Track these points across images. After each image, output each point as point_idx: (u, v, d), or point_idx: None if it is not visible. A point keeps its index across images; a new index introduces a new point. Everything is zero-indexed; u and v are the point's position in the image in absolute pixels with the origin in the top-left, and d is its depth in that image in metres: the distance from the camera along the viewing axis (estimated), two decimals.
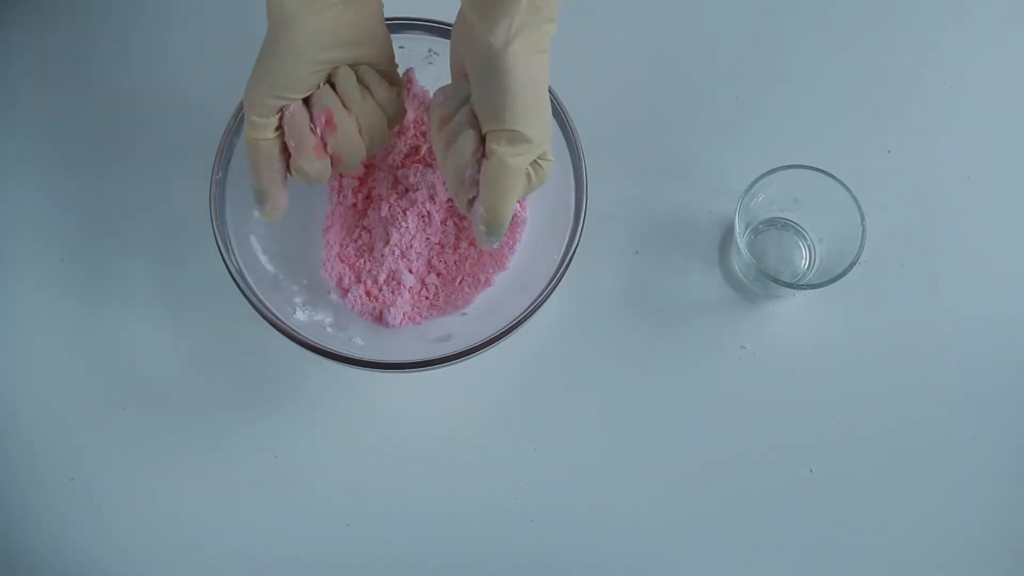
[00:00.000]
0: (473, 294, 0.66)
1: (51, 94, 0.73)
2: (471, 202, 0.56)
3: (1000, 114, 0.73)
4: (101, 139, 0.72)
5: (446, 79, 0.63)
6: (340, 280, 0.66)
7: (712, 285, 0.70)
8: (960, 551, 0.66)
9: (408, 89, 0.65)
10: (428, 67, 0.66)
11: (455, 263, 0.66)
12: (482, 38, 0.52)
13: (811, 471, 0.67)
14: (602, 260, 0.70)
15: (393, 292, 0.65)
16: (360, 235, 0.67)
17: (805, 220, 0.70)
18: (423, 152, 0.66)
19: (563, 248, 0.62)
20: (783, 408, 0.68)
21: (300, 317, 0.63)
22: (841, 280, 0.63)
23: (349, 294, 0.66)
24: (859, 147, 0.72)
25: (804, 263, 0.71)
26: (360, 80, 0.57)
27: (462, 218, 0.66)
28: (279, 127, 0.56)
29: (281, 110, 0.55)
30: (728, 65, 0.74)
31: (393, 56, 0.58)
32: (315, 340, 0.59)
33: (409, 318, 0.65)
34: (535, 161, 0.55)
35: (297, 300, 0.64)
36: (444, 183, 0.63)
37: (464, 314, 0.65)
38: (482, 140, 0.55)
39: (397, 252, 0.65)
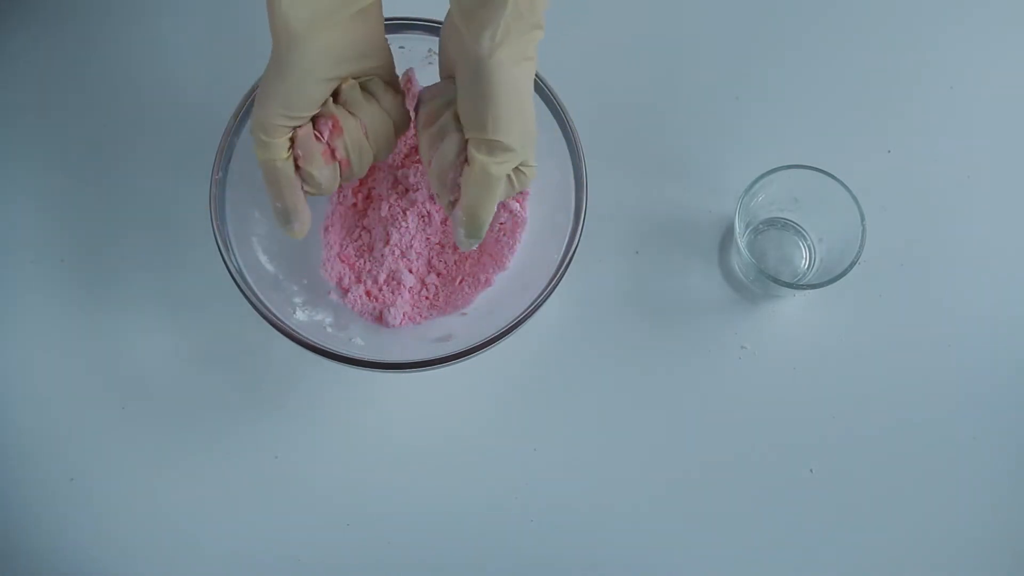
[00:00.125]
0: (473, 294, 0.66)
1: (51, 94, 0.73)
2: (452, 204, 0.57)
3: (1000, 114, 0.73)
4: (101, 139, 0.72)
5: None
6: (340, 280, 0.66)
7: (712, 285, 0.70)
8: (960, 551, 0.66)
9: (408, 89, 0.65)
10: (428, 67, 0.66)
11: (455, 263, 0.66)
12: (468, 44, 0.52)
13: (811, 471, 0.67)
14: (602, 260, 0.70)
15: (393, 292, 0.65)
16: (360, 235, 0.67)
17: (805, 220, 0.70)
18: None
19: (563, 248, 0.62)
20: (783, 408, 0.68)
21: (300, 317, 0.63)
22: (841, 280, 0.63)
23: (349, 294, 0.66)
24: (859, 147, 0.72)
25: (804, 263, 0.71)
26: (364, 89, 0.57)
27: None
28: (292, 145, 0.56)
29: (293, 129, 0.55)
30: (728, 65, 0.74)
31: (394, 67, 0.58)
32: (315, 340, 0.59)
33: (409, 318, 0.65)
34: (517, 168, 0.55)
35: (297, 300, 0.64)
36: None
37: (464, 314, 0.65)
38: (465, 144, 0.55)
39: (397, 252, 0.65)
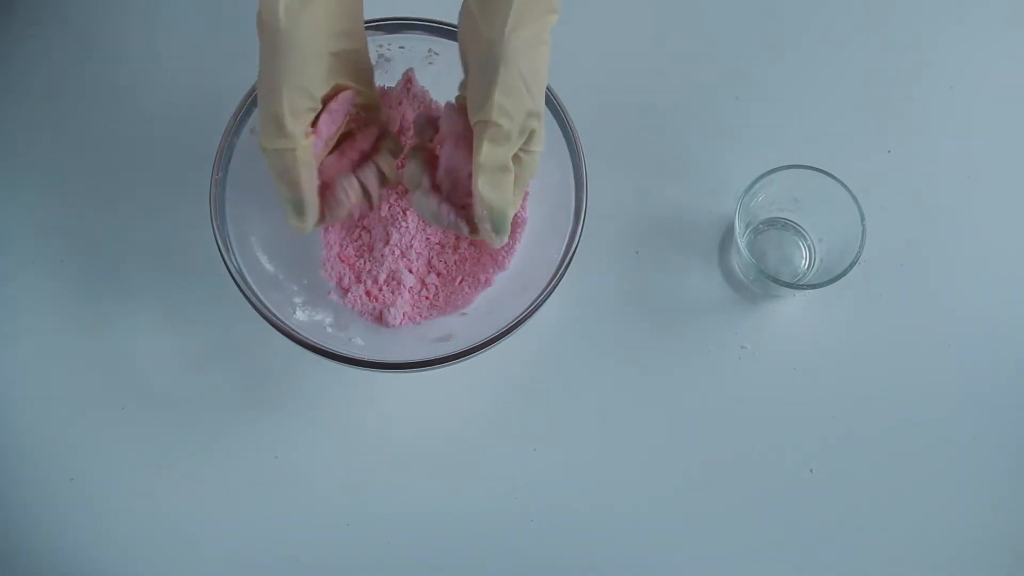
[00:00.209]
0: (473, 294, 0.66)
1: (51, 95, 0.73)
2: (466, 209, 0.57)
3: (1000, 114, 0.73)
4: (101, 139, 0.72)
5: (446, 79, 0.63)
6: (340, 280, 0.66)
7: (712, 285, 0.70)
8: (960, 551, 0.66)
9: (408, 88, 0.65)
10: (428, 67, 0.66)
11: (455, 263, 0.66)
12: (482, 29, 0.52)
13: (811, 471, 0.67)
14: (602, 260, 0.70)
15: (393, 292, 0.65)
16: (360, 235, 0.67)
17: (805, 220, 0.70)
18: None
19: (563, 248, 0.62)
20: (783, 408, 0.68)
21: (300, 317, 0.63)
22: (841, 280, 0.63)
23: (349, 294, 0.66)
24: (859, 147, 0.72)
25: (804, 263, 0.71)
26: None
27: None
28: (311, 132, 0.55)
29: (311, 117, 0.55)
30: (728, 65, 0.74)
31: (368, 53, 0.58)
32: (315, 340, 0.59)
33: (409, 318, 0.65)
34: (517, 154, 0.54)
35: (297, 300, 0.64)
36: None
37: (464, 314, 0.65)
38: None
39: (397, 252, 0.65)
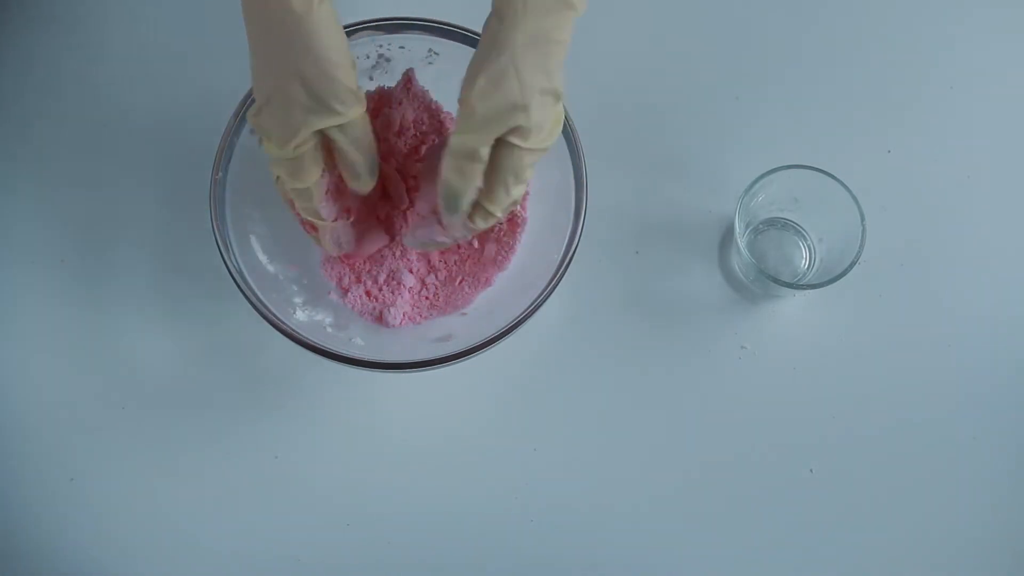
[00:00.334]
0: (473, 294, 0.66)
1: (51, 95, 0.73)
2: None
3: (1000, 114, 0.73)
4: (101, 139, 0.72)
5: (446, 79, 0.63)
6: (340, 280, 0.66)
7: (712, 285, 0.70)
8: (960, 551, 0.66)
9: (408, 88, 0.65)
10: (428, 67, 0.66)
11: (455, 263, 0.66)
12: (490, 21, 0.51)
13: (811, 471, 0.67)
14: (602, 260, 0.70)
15: (393, 292, 0.65)
16: None
17: (805, 220, 0.70)
18: (423, 152, 0.66)
19: (563, 248, 0.62)
20: (783, 408, 0.68)
21: (300, 317, 0.63)
22: (841, 280, 0.63)
23: (349, 294, 0.66)
24: (859, 147, 0.72)
25: (804, 263, 0.71)
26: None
27: None
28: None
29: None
30: (728, 65, 0.74)
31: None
32: (315, 340, 0.59)
33: (409, 318, 0.65)
34: (500, 147, 0.53)
35: (297, 300, 0.64)
36: None
37: (464, 314, 0.65)
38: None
39: (397, 252, 0.65)
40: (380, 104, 0.65)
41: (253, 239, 0.64)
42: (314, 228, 0.61)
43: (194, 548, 0.66)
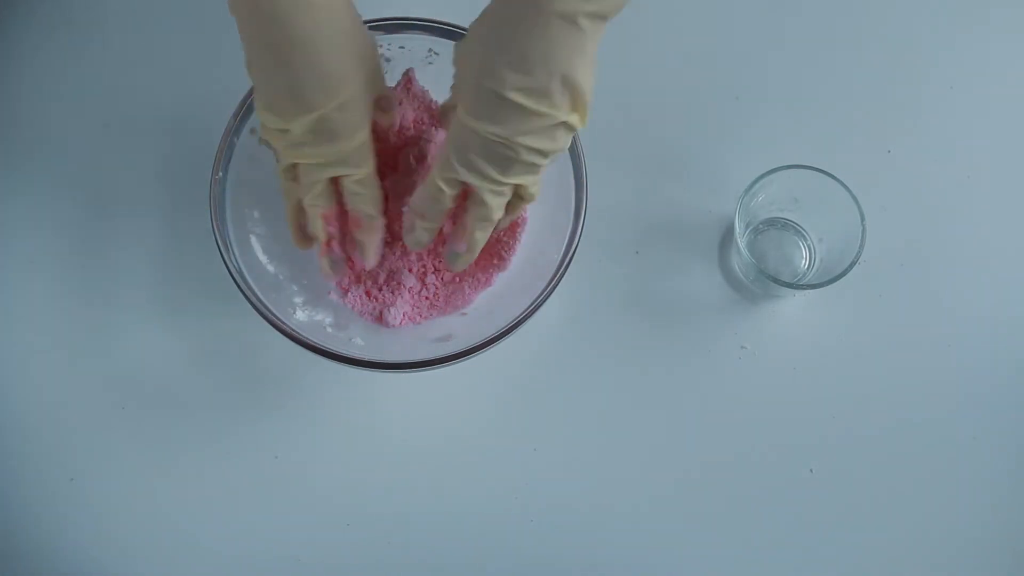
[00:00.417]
0: (473, 294, 0.66)
1: (51, 96, 0.73)
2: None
3: (1000, 114, 0.73)
4: (101, 140, 0.72)
5: (446, 79, 0.63)
6: (340, 280, 0.66)
7: (712, 285, 0.70)
8: (960, 551, 0.66)
9: (408, 89, 0.65)
10: (428, 67, 0.66)
11: None
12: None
13: (811, 471, 0.67)
14: (602, 260, 0.70)
15: (393, 292, 0.65)
16: None
17: (805, 220, 0.70)
18: (422, 151, 0.66)
19: (563, 248, 0.62)
20: (783, 408, 0.68)
21: (300, 317, 0.63)
22: (841, 280, 0.64)
23: (349, 294, 0.66)
24: (859, 147, 0.72)
25: (804, 263, 0.71)
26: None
27: None
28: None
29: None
30: (728, 65, 0.74)
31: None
32: (315, 340, 0.59)
33: (409, 318, 0.65)
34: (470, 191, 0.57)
35: (297, 300, 0.64)
36: None
37: (464, 314, 0.65)
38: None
39: (397, 252, 0.65)
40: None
41: (253, 239, 0.64)
42: (307, 243, 0.63)
43: (194, 548, 0.66)
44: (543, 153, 0.55)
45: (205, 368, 0.68)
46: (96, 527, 0.66)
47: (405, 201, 0.64)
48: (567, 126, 0.55)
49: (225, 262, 0.61)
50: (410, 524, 0.66)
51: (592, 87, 0.55)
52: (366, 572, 0.65)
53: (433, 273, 0.66)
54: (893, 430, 0.67)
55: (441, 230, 0.62)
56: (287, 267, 0.65)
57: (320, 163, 0.56)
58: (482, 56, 0.53)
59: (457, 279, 0.66)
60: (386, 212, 0.65)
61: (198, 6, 0.75)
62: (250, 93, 0.62)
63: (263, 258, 0.64)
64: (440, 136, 0.65)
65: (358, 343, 0.63)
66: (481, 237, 0.59)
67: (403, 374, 0.63)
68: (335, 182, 0.58)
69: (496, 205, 0.57)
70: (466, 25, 0.63)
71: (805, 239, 0.71)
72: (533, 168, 0.56)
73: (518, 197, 0.58)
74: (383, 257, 0.65)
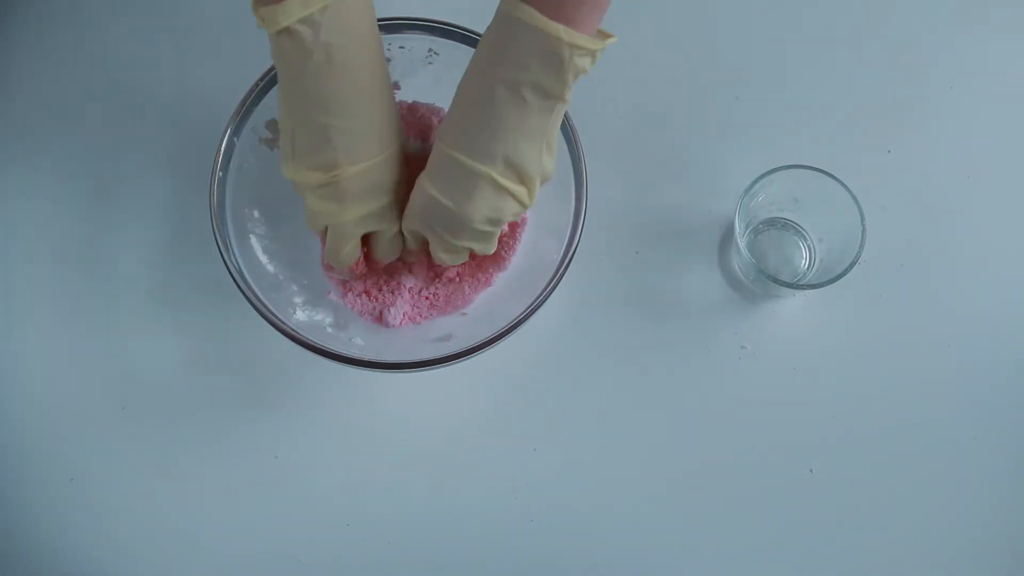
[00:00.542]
0: (473, 294, 0.66)
1: (51, 95, 0.73)
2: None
3: (1000, 114, 0.73)
4: (101, 139, 0.72)
5: (446, 79, 0.63)
6: (340, 280, 0.66)
7: (712, 285, 0.70)
8: (960, 551, 0.66)
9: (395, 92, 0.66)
10: (428, 67, 0.66)
11: None
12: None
13: (811, 471, 0.67)
14: (602, 260, 0.70)
15: (393, 292, 0.65)
16: None
17: (805, 220, 0.70)
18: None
19: (563, 248, 0.62)
20: (783, 408, 0.68)
21: (300, 317, 0.63)
22: (841, 280, 0.63)
23: (349, 294, 0.66)
24: (859, 147, 0.72)
25: (804, 263, 0.71)
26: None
27: None
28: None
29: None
30: (728, 65, 0.74)
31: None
32: (315, 340, 0.59)
33: (409, 318, 0.65)
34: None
35: (297, 300, 0.64)
36: None
37: (464, 314, 0.65)
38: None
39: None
40: None
41: (253, 239, 0.64)
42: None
43: (194, 548, 0.66)
44: (491, 222, 0.57)
45: (205, 368, 0.68)
46: (96, 527, 0.66)
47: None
48: (516, 199, 0.56)
49: (225, 262, 0.61)
50: (410, 524, 0.66)
51: (540, 166, 0.55)
52: (366, 572, 0.65)
53: (433, 273, 0.66)
54: (893, 430, 0.67)
55: None
56: (287, 267, 0.65)
57: (360, 217, 0.58)
58: (446, 118, 0.56)
59: (457, 279, 0.66)
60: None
61: (198, 6, 0.75)
62: (250, 93, 0.62)
63: (263, 258, 0.64)
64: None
65: (358, 343, 0.63)
66: (448, 264, 0.62)
67: (403, 374, 0.63)
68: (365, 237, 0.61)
69: (450, 257, 0.60)
70: (466, 25, 0.63)
71: (805, 239, 0.71)
72: (482, 235, 0.58)
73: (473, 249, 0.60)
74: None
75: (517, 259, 0.66)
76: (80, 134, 0.72)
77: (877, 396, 0.68)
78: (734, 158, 0.71)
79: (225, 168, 0.62)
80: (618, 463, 0.67)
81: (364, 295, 0.65)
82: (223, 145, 0.62)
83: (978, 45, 0.75)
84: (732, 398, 0.68)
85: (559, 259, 0.61)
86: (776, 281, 0.64)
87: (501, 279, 0.66)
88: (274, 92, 0.62)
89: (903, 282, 0.70)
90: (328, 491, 0.66)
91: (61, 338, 0.69)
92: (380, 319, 0.65)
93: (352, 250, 0.61)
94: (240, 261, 0.62)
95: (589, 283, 0.69)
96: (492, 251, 0.61)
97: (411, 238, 0.60)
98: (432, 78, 0.66)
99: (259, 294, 0.61)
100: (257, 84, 0.62)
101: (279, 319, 0.60)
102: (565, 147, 0.62)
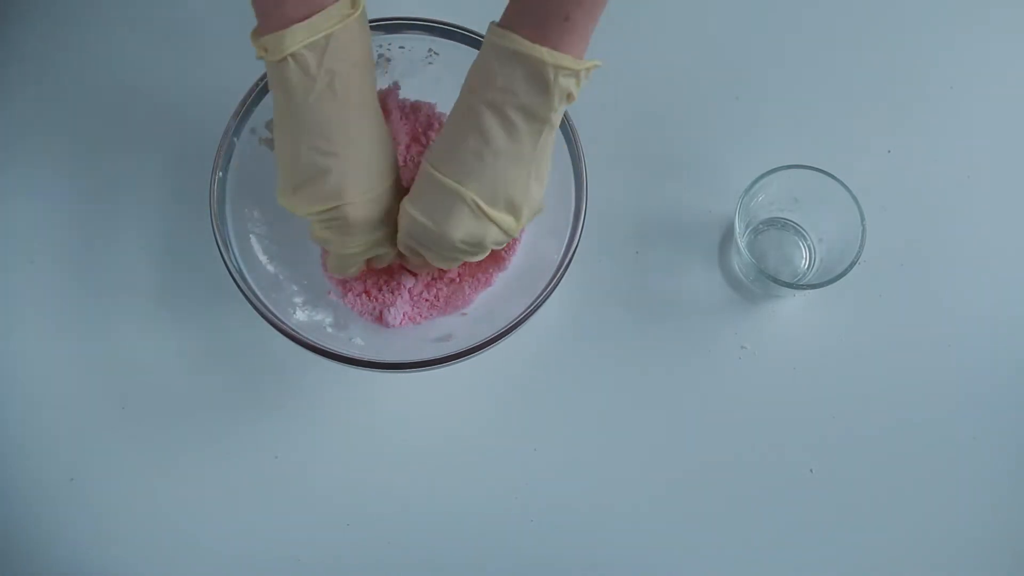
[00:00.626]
0: (473, 294, 0.66)
1: (51, 96, 0.73)
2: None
3: (1000, 114, 0.73)
4: (101, 140, 0.72)
5: (446, 79, 0.63)
6: (340, 280, 0.66)
7: (712, 285, 0.70)
8: (960, 551, 0.66)
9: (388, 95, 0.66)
10: (428, 67, 0.66)
11: None
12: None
13: (811, 471, 0.67)
14: (602, 260, 0.70)
15: (393, 292, 0.65)
16: None
17: (805, 220, 0.70)
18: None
19: (563, 248, 0.62)
20: (783, 408, 0.68)
21: (300, 317, 0.63)
22: (841, 280, 0.63)
23: (349, 294, 0.65)
24: (859, 147, 0.72)
25: (804, 263, 0.71)
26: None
27: None
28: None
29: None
30: (728, 65, 0.74)
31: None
32: (315, 340, 0.59)
33: (409, 318, 0.65)
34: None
35: (297, 300, 0.64)
36: None
37: (464, 314, 0.65)
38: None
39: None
40: None
41: (253, 239, 0.64)
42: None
43: (194, 548, 0.66)
44: (472, 245, 0.57)
45: (205, 368, 0.68)
46: (96, 527, 0.66)
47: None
48: (498, 226, 0.56)
49: (225, 262, 0.61)
50: (410, 524, 0.66)
51: (528, 194, 0.56)
52: (366, 572, 0.65)
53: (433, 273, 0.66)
54: (893, 430, 0.67)
55: None
56: (287, 267, 0.65)
57: (363, 246, 0.59)
58: (433, 140, 0.56)
59: (457, 279, 0.66)
60: None
61: (199, 6, 0.75)
62: (250, 93, 0.62)
63: (263, 258, 0.64)
64: None
65: (358, 343, 0.63)
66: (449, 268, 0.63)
67: (403, 374, 0.63)
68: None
69: (448, 264, 0.60)
70: (466, 25, 0.63)
71: (805, 239, 0.71)
72: (468, 253, 0.58)
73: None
74: None
75: (517, 259, 0.66)
76: (80, 134, 0.72)
77: (877, 396, 0.68)
78: (734, 158, 0.71)
79: (225, 168, 0.62)
80: (618, 463, 0.67)
81: (364, 295, 0.65)
82: (223, 146, 0.62)
83: (978, 45, 0.75)
84: (732, 398, 0.68)
85: (559, 259, 0.61)
86: (776, 281, 0.64)
87: (501, 279, 0.66)
88: None
89: (903, 282, 0.70)
90: (328, 491, 0.66)
91: (61, 338, 0.69)
92: (380, 319, 0.65)
93: (356, 270, 0.62)
94: (240, 261, 0.62)
95: (589, 283, 0.69)
96: (484, 255, 0.61)
97: (408, 253, 0.61)
98: (432, 78, 0.66)
99: (259, 294, 0.61)
100: (257, 84, 0.62)
101: (279, 319, 0.60)
102: (565, 147, 0.62)
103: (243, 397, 0.68)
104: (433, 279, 0.66)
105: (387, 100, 0.65)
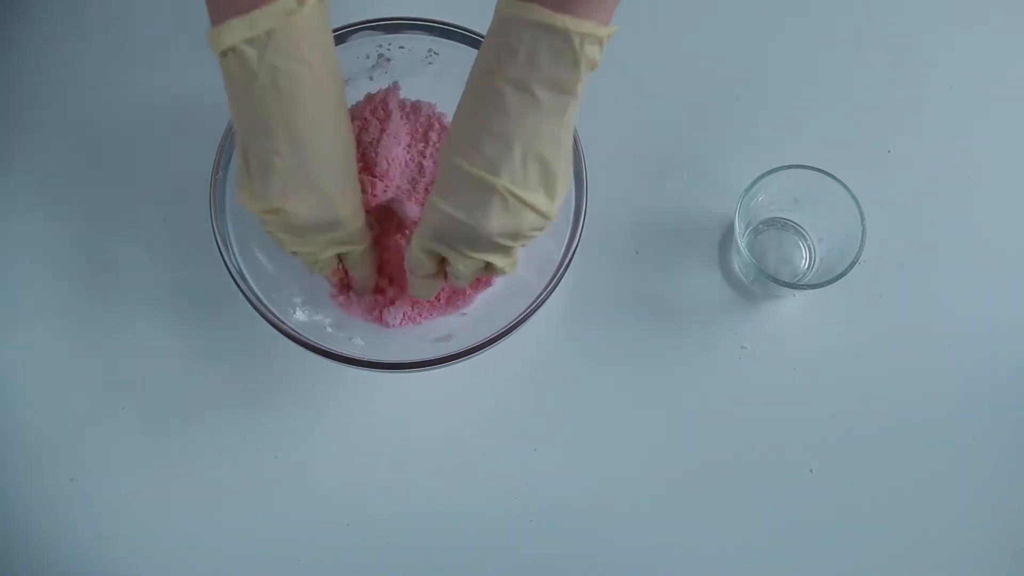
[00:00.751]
0: (473, 294, 0.66)
1: (51, 96, 0.73)
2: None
3: (1000, 114, 0.73)
4: (101, 140, 0.72)
5: (446, 79, 0.63)
6: (340, 280, 0.66)
7: (712, 285, 0.70)
8: (960, 551, 0.66)
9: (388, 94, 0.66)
10: (428, 67, 0.66)
11: None
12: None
13: (811, 471, 0.67)
14: (602, 260, 0.70)
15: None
16: None
17: (805, 220, 0.70)
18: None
19: (563, 248, 0.62)
20: (783, 408, 0.68)
21: (300, 317, 0.63)
22: (841, 280, 0.63)
23: (349, 294, 0.65)
24: (859, 147, 0.72)
25: (804, 263, 0.71)
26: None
27: None
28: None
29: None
30: (728, 65, 0.74)
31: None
32: (315, 340, 0.59)
33: (409, 318, 0.65)
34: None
35: (297, 300, 0.64)
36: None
37: (464, 314, 0.65)
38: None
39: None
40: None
41: (253, 239, 0.64)
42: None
43: (194, 548, 0.66)
44: (511, 236, 0.54)
45: (205, 368, 0.68)
46: (96, 527, 0.66)
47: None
48: (535, 210, 0.53)
49: (225, 262, 0.61)
50: (410, 524, 0.66)
51: (562, 169, 0.53)
52: (366, 572, 0.65)
53: None
54: (893, 430, 0.67)
55: None
56: (287, 267, 0.65)
57: (318, 247, 0.57)
58: (450, 130, 0.54)
59: None
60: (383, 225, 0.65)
61: (199, 6, 0.75)
62: None
63: (263, 258, 0.64)
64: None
65: (358, 343, 0.63)
66: (461, 287, 0.62)
67: (403, 374, 0.63)
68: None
69: (470, 272, 0.57)
70: (466, 25, 0.63)
71: (805, 239, 0.71)
72: (503, 249, 0.55)
73: (491, 266, 0.57)
74: (383, 258, 0.65)
75: None
76: (80, 135, 0.72)
77: (877, 396, 0.68)
78: (734, 158, 0.71)
79: (225, 168, 0.62)
80: (618, 463, 0.67)
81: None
82: (223, 146, 0.62)
83: (978, 45, 0.75)
84: (732, 398, 0.68)
85: (559, 259, 0.61)
86: (776, 281, 0.64)
87: (501, 279, 0.66)
88: None
89: (903, 282, 0.70)
90: (328, 491, 0.66)
91: (61, 338, 0.69)
92: (380, 319, 0.65)
93: (324, 268, 0.60)
94: (240, 261, 0.62)
95: (589, 283, 0.69)
96: (513, 270, 0.58)
97: (425, 258, 0.57)
98: (432, 78, 0.66)
99: (259, 294, 0.61)
100: None
101: (279, 319, 0.60)
102: None
103: (243, 397, 0.68)
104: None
105: (387, 100, 0.65)
